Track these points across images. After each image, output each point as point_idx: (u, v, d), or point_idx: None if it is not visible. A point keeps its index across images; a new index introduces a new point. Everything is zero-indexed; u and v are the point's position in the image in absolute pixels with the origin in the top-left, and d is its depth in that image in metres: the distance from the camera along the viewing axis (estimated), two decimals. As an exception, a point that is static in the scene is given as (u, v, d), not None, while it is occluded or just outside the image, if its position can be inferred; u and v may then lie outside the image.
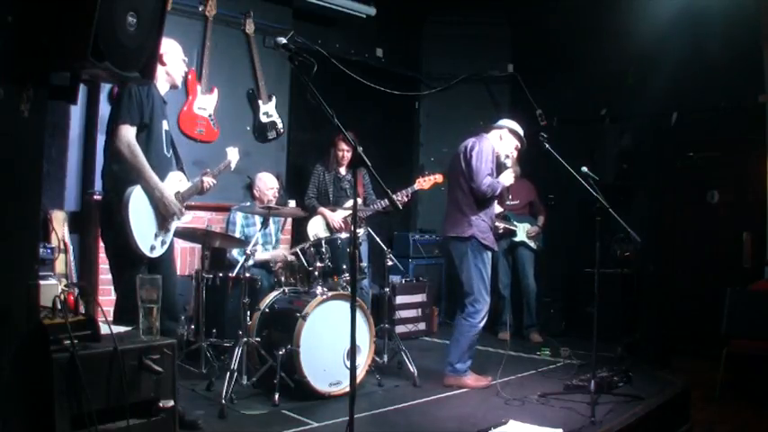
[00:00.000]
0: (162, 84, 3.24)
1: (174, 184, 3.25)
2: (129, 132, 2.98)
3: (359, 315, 3.75)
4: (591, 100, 6.48)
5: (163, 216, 3.12)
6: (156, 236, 3.11)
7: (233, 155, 3.81)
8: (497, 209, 4.42)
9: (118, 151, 2.98)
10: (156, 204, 3.08)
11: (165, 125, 3.22)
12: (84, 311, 2.15)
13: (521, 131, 4.30)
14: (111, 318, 2.60)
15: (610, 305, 5.08)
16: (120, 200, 2.97)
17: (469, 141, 4.23)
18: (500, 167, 4.23)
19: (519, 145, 4.32)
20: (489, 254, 4.17)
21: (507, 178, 4.21)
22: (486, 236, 4.12)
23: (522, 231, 5.96)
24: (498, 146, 4.24)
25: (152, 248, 3.07)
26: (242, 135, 5.20)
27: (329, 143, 5.31)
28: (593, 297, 3.64)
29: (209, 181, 3.45)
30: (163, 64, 3.19)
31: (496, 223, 4.33)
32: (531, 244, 5.98)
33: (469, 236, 4.08)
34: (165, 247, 3.18)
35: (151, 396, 2.16)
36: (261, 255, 4.72)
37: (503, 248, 5.93)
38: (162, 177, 3.15)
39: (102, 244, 4.11)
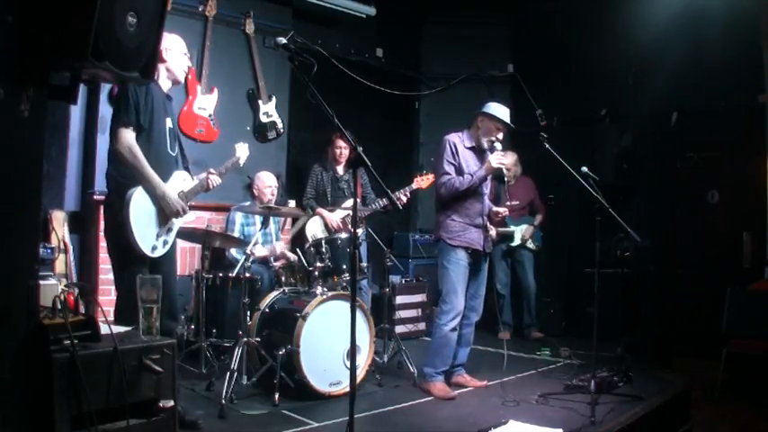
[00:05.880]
0: (163, 80, 3.22)
1: (178, 183, 3.23)
2: (128, 135, 2.98)
3: (359, 315, 3.75)
4: (591, 100, 6.48)
5: (165, 215, 3.11)
6: (157, 236, 3.10)
7: (242, 151, 3.72)
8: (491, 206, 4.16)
9: (118, 154, 2.99)
10: (157, 204, 3.08)
11: (168, 123, 3.19)
12: (84, 311, 2.15)
13: (499, 113, 3.95)
14: (111, 318, 2.60)
15: (610, 305, 5.08)
16: (121, 201, 2.97)
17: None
18: (485, 154, 4.01)
19: (500, 126, 3.96)
20: (462, 253, 3.93)
21: (494, 160, 3.86)
22: (454, 236, 3.93)
23: (519, 235, 5.94)
24: (478, 134, 4.02)
25: (153, 248, 3.07)
26: (242, 135, 5.18)
27: (327, 142, 5.31)
28: (593, 297, 3.65)
29: (214, 179, 3.41)
30: (162, 60, 3.16)
31: (491, 230, 4.11)
32: (530, 245, 5.98)
33: (437, 238, 4.03)
34: (168, 246, 3.17)
35: (151, 396, 2.16)
36: (258, 251, 4.68)
37: (501, 251, 5.94)
38: (166, 176, 3.13)
39: (102, 244, 4.12)
